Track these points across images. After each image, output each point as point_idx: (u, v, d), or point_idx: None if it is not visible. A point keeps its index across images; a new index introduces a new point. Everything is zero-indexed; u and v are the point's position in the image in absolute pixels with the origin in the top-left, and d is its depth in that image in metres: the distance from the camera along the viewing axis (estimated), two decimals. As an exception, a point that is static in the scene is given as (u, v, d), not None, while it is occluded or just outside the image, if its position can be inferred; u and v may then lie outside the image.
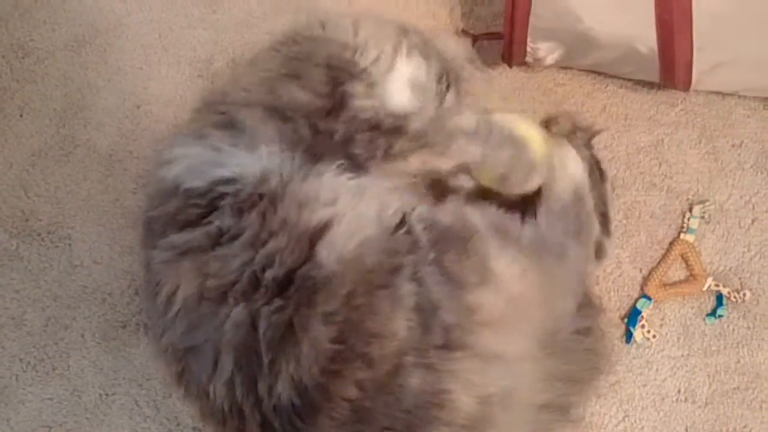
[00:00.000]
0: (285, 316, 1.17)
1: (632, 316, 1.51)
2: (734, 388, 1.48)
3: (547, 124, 1.49)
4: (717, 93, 1.61)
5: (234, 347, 1.20)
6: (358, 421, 1.16)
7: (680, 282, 1.54)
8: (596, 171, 1.48)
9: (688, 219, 1.55)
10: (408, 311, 1.15)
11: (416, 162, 1.35)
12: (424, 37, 1.48)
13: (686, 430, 1.48)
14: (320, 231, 1.22)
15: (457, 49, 1.55)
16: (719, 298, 1.51)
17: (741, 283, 1.53)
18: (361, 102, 1.34)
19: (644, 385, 1.50)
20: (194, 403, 1.28)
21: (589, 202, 1.41)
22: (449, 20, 1.76)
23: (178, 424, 1.55)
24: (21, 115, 1.76)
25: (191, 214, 1.27)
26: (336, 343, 1.15)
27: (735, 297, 1.50)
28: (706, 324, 1.51)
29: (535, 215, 1.35)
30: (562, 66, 1.63)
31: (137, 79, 1.77)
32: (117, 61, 1.78)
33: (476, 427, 1.18)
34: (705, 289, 1.51)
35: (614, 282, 1.54)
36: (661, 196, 1.58)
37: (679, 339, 1.51)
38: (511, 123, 1.38)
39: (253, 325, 1.18)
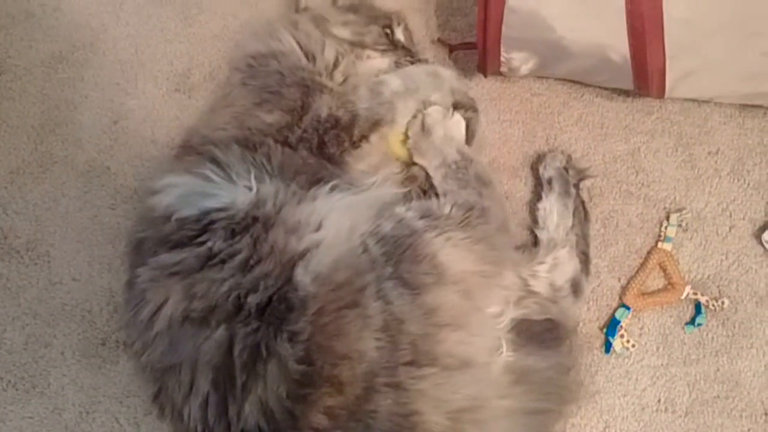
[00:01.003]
0: (257, 337, 1.18)
1: (611, 326, 1.51)
2: (714, 397, 1.48)
3: (540, 159, 1.56)
4: (692, 100, 1.61)
5: (212, 368, 1.21)
6: None
7: (659, 291, 1.53)
8: (581, 211, 1.52)
9: (666, 227, 1.55)
10: (376, 331, 1.16)
11: (376, 138, 1.45)
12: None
13: (667, 439, 1.48)
14: (302, 255, 1.24)
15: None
16: (698, 306, 1.50)
17: (719, 291, 1.52)
18: (317, 103, 1.42)
19: (624, 395, 1.50)
20: (169, 425, 1.29)
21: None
22: (425, 31, 1.76)
23: (158, 442, 1.54)
24: (-2, 133, 1.75)
25: (183, 236, 1.29)
26: (303, 364, 1.15)
27: (713, 305, 1.50)
28: (685, 333, 1.51)
29: (437, 191, 1.41)
30: (538, 75, 1.63)
31: (114, 95, 1.77)
32: (94, 77, 1.78)
33: None
34: (683, 297, 1.51)
35: (593, 292, 1.54)
36: (638, 205, 1.58)
37: (658, 348, 1.51)
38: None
39: (230, 347, 1.19)
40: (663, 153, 1.61)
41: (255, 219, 1.29)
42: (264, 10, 1.79)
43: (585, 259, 1.48)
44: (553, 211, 1.50)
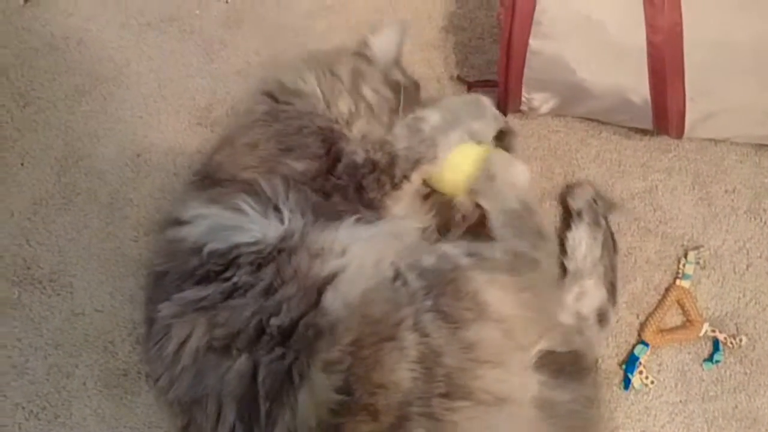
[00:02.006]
0: (284, 364, 1.19)
1: (630, 362, 1.52)
2: (732, 434, 1.49)
3: (568, 191, 1.57)
4: (710, 140, 1.63)
5: (236, 398, 1.22)
6: None
7: (677, 328, 1.55)
8: (610, 242, 1.53)
9: (684, 265, 1.56)
10: (412, 362, 1.17)
11: (417, 177, 1.43)
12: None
13: (686, 476, 1.48)
14: (328, 280, 1.25)
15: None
16: (716, 343, 1.52)
17: (737, 329, 1.54)
18: (350, 149, 1.40)
19: (643, 432, 1.50)
20: None
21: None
22: (444, 68, 1.79)
23: (179, 474, 1.55)
24: (22, 164, 1.77)
25: (209, 270, 1.30)
26: (341, 394, 1.15)
27: (731, 342, 1.51)
28: (703, 370, 1.52)
29: (494, 236, 1.40)
30: (557, 114, 1.65)
31: (137, 128, 1.79)
32: (117, 111, 1.80)
33: None
34: (701, 334, 1.52)
35: (612, 328, 1.54)
36: (656, 242, 1.60)
37: (676, 385, 1.52)
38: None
39: (254, 375, 1.20)
40: (680, 191, 1.62)
41: (280, 251, 1.30)
42: (284, 50, 1.81)
43: (612, 289, 1.49)
44: (582, 242, 1.51)
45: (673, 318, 1.56)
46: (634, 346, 1.53)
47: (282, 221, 1.33)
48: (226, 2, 1.89)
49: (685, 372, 1.52)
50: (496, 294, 1.25)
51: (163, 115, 1.80)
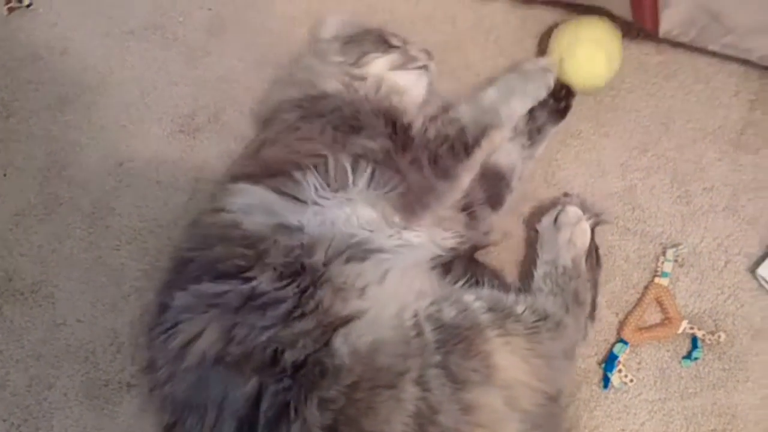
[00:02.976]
0: (287, 396, 1.19)
1: (609, 360, 1.52)
2: (712, 431, 1.49)
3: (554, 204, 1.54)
4: (688, 138, 1.63)
5: (238, 418, 1.21)
6: None
7: (656, 325, 1.55)
8: (593, 256, 1.52)
9: (662, 263, 1.56)
10: (407, 416, 1.16)
11: (487, 145, 1.51)
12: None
13: (666, 474, 1.48)
14: (345, 321, 1.25)
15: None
16: (694, 340, 1.52)
17: (716, 326, 1.54)
18: (419, 124, 1.46)
19: (623, 430, 1.51)
20: None
21: (584, 273, 1.45)
22: None
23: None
24: (5, 175, 1.79)
25: (232, 265, 1.29)
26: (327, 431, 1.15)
27: (710, 339, 1.51)
28: (682, 367, 1.53)
29: (530, 287, 1.41)
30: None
31: (120, 137, 1.80)
32: (100, 120, 1.81)
33: None
34: (680, 332, 1.52)
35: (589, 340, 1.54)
36: (635, 241, 1.60)
37: (656, 382, 1.52)
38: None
39: (258, 401, 1.20)
40: (659, 189, 1.63)
41: (303, 267, 1.30)
42: (267, 54, 1.81)
43: (592, 305, 1.48)
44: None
45: (652, 316, 1.56)
46: (613, 345, 1.54)
47: (322, 221, 1.35)
48: (209, 9, 1.90)
49: (665, 369, 1.52)
50: (509, 359, 1.25)
51: (146, 123, 1.81)
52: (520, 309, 1.32)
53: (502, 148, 1.57)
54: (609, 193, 1.63)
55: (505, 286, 1.43)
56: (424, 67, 1.59)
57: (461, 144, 1.47)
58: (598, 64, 1.58)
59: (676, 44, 1.64)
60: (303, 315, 1.25)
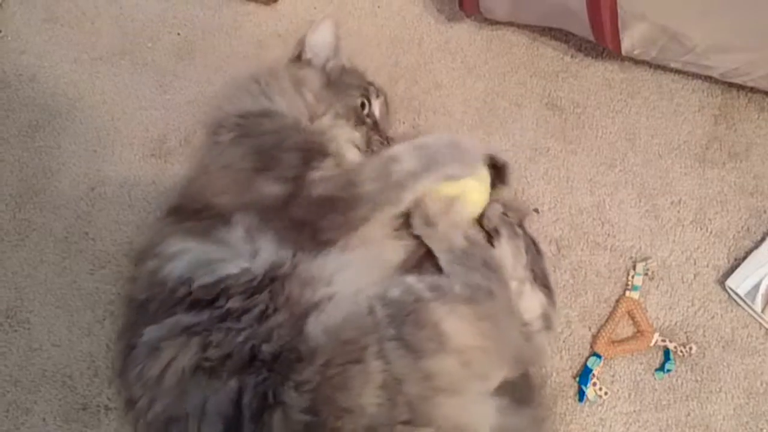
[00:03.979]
0: (266, 387, 1.20)
1: (584, 374, 1.54)
2: (686, 441, 1.51)
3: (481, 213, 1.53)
4: (654, 153, 1.66)
5: (223, 418, 1.21)
6: None
7: (628, 338, 1.57)
8: (533, 248, 1.52)
9: (632, 276, 1.59)
10: (377, 388, 1.18)
11: (377, 220, 1.39)
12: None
13: (641, 485, 1.50)
14: (315, 306, 1.27)
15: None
16: (666, 353, 1.54)
17: (687, 337, 1.56)
18: (312, 178, 1.38)
19: (598, 443, 1.52)
20: None
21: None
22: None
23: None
24: (-23, 202, 1.77)
25: (200, 299, 1.30)
26: (308, 414, 1.17)
27: (682, 351, 1.54)
28: (655, 379, 1.55)
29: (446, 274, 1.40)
30: (513, 21, 1.74)
31: (91, 162, 1.80)
32: (71, 145, 1.81)
33: None
34: (652, 344, 1.54)
35: (565, 341, 1.57)
36: (605, 255, 1.62)
37: (630, 395, 1.54)
38: None
39: (240, 398, 1.21)
40: (627, 204, 1.65)
41: (273, 279, 1.31)
42: (236, 77, 1.80)
43: (548, 292, 1.49)
44: (507, 255, 1.49)
45: (625, 329, 1.58)
46: (587, 359, 1.56)
47: (268, 251, 1.34)
48: (178, 34, 1.91)
49: (638, 382, 1.54)
50: (456, 324, 1.26)
51: (117, 147, 1.81)
52: (456, 288, 1.32)
53: None
54: (578, 209, 1.66)
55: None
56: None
57: (345, 219, 1.36)
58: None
59: (640, 62, 1.68)
60: (276, 310, 1.27)
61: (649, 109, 1.70)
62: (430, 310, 1.26)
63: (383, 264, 1.40)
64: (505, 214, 1.52)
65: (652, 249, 1.62)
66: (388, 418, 1.18)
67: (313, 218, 1.35)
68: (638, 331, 1.56)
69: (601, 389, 1.53)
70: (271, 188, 1.38)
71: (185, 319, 1.29)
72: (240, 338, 1.25)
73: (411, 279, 1.32)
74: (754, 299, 1.52)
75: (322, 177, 1.37)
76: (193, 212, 1.42)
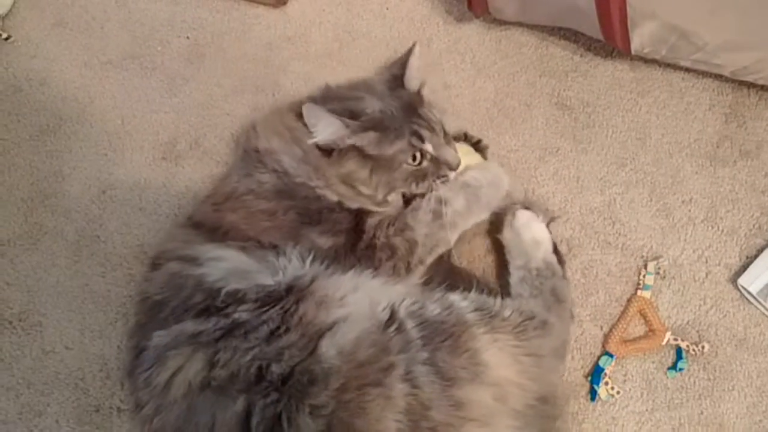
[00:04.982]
0: (277, 409, 1.19)
1: (595, 373, 1.54)
2: (699, 440, 1.50)
3: (505, 210, 1.53)
4: (665, 151, 1.66)
5: None
6: None
7: (640, 338, 1.56)
8: (556, 253, 1.52)
9: (644, 276, 1.58)
10: (398, 413, 1.17)
11: (431, 260, 1.46)
12: None
13: (655, 484, 1.50)
14: (329, 327, 1.25)
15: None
16: (679, 351, 1.54)
17: (699, 336, 1.56)
18: (369, 225, 1.41)
19: (611, 442, 1.52)
20: None
21: (559, 271, 1.46)
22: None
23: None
24: (-12, 206, 1.78)
25: (211, 305, 1.30)
26: None
27: (694, 350, 1.53)
28: (667, 378, 1.54)
29: (510, 293, 1.42)
30: (522, 20, 1.73)
31: (102, 165, 1.80)
32: (82, 149, 1.82)
33: None
34: (664, 343, 1.54)
35: (576, 341, 1.57)
36: (616, 255, 1.62)
37: (642, 394, 1.54)
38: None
39: (248, 418, 1.19)
40: (638, 203, 1.65)
41: (288, 292, 1.30)
42: (245, 80, 1.84)
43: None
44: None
45: (636, 328, 1.58)
46: (598, 358, 1.55)
47: (300, 264, 1.35)
48: (187, 38, 1.91)
49: (650, 381, 1.54)
50: (497, 356, 1.25)
51: (127, 151, 1.82)
52: (507, 312, 1.32)
53: None
54: (589, 209, 1.65)
55: (490, 292, 1.42)
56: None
57: (404, 264, 1.41)
58: None
59: (650, 61, 1.68)
60: (287, 330, 1.25)
61: (660, 108, 1.70)
62: (471, 335, 1.25)
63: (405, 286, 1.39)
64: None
65: (664, 248, 1.61)
66: None
67: (373, 264, 1.38)
68: (650, 330, 1.56)
69: (613, 388, 1.53)
70: (322, 240, 1.39)
71: (191, 326, 1.29)
72: (247, 357, 1.23)
73: (454, 297, 1.31)
74: (766, 297, 1.52)
75: (380, 223, 1.40)
76: (222, 234, 1.41)
